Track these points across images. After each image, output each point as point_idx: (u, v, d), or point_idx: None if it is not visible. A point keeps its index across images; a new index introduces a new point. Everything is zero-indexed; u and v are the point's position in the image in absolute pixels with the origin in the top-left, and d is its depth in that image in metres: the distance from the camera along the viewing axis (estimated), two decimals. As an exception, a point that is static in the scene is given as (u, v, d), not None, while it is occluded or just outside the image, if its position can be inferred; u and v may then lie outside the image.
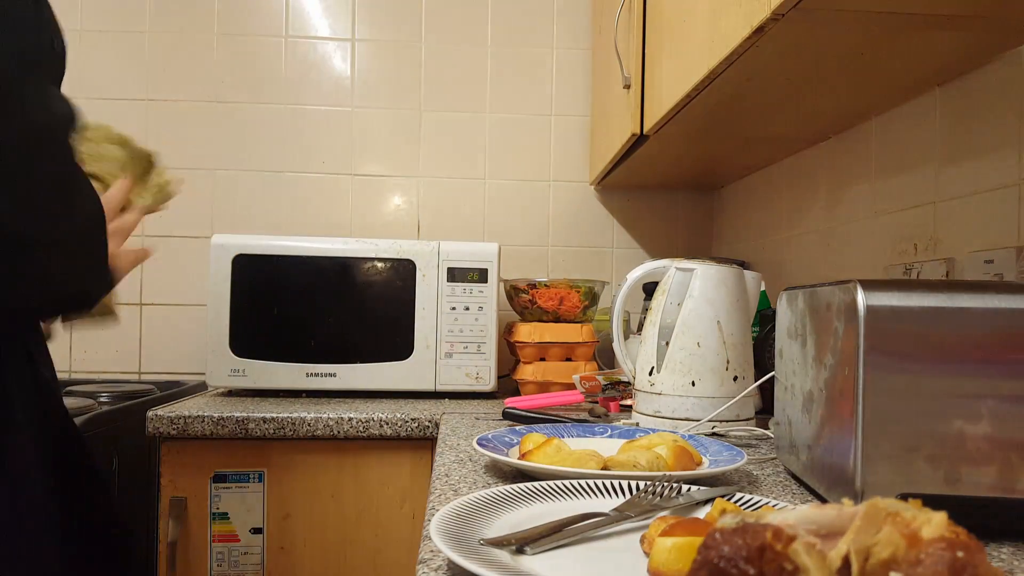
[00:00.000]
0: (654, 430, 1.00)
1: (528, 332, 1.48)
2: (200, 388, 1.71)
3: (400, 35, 1.88)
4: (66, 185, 0.69)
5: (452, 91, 1.89)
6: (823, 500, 0.72)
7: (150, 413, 1.22)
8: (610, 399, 1.34)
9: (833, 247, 1.33)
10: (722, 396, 1.07)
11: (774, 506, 0.63)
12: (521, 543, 0.53)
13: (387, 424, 1.24)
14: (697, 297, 1.09)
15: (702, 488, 0.69)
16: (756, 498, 0.66)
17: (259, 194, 1.86)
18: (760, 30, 0.82)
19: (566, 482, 0.70)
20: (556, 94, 1.91)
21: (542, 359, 1.49)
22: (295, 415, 1.23)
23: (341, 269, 1.45)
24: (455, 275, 1.46)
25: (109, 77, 1.83)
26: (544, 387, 1.47)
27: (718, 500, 0.61)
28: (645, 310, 1.51)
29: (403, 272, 1.45)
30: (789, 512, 0.35)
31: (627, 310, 1.81)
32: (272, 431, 1.23)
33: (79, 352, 1.82)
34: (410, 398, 1.45)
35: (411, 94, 1.88)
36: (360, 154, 1.88)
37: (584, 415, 1.25)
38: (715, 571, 0.33)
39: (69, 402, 1.36)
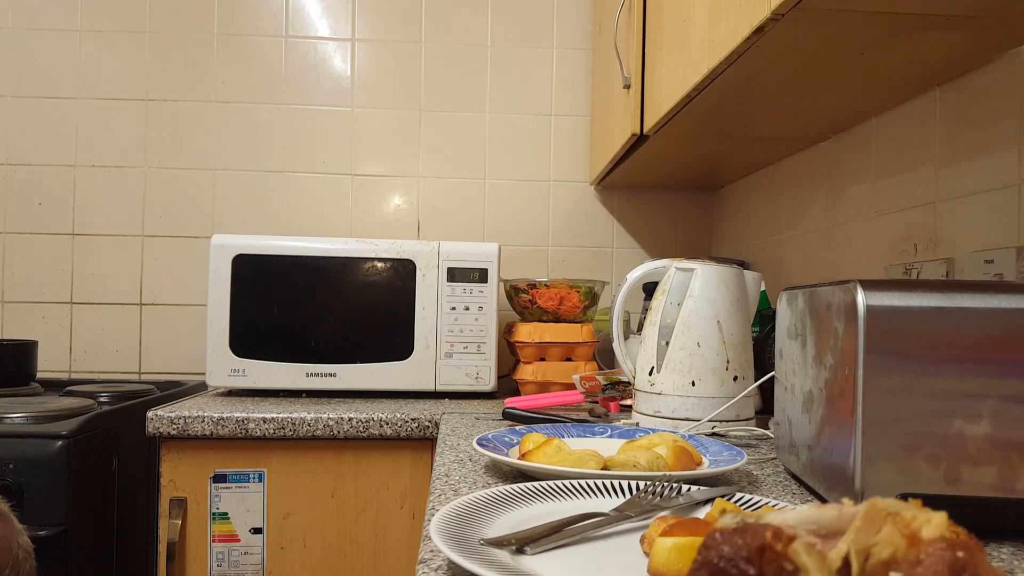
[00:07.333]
0: (654, 430, 1.00)
1: (528, 332, 1.48)
2: (200, 388, 1.71)
3: (400, 35, 1.88)
4: None
5: (452, 91, 1.89)
6: (823, 500, 0.72)
7: (150, 413, 1.22)
8: (610, 399, 1.34)
9: (833, 247, 1.33)
10: (722, 396, 1.07)
11: (774, 506, 0.63)
12: (521, 543, 0.53)
13: (387, 424, 1.24)
14: (697, 297, 1.09)
15: (702, 488, 0.69)
16: (756, 498, 0.66)
17: (259, 194, 1.86)
18: (760, 30, 0.82)
19: (566, 482, 0.69)
20: (556, 94, 1.90)
21: (542, 359, 1.49)
22: (295, 415, 1.23)
23: (341, 269, 1.45)
24: (455, 275, 1.46)
25: (109, 77, 1.83)
26: (544, 387, 1.47)
27: (718, 500, 0.61)
28: (645, 310, 1.51)
29: (403, 272, 1.45)
30: (789, 512, 0.35)
31: (627, 310, 1.81)
32: (272, 431, 1.23)
33: (79, 352, 1.82)
34: (410, 398, 1.45)
35: (411, 94, 1.88)
36: (360, 154, 1.88)
37: (584, 415, 1.25)
38: (715, 571, 0.33)
39: (69, 402, 1.36)
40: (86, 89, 1.83)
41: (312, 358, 1.43)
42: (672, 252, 1.93)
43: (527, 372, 1.47)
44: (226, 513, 1.24)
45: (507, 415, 1.17)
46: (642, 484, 0.70)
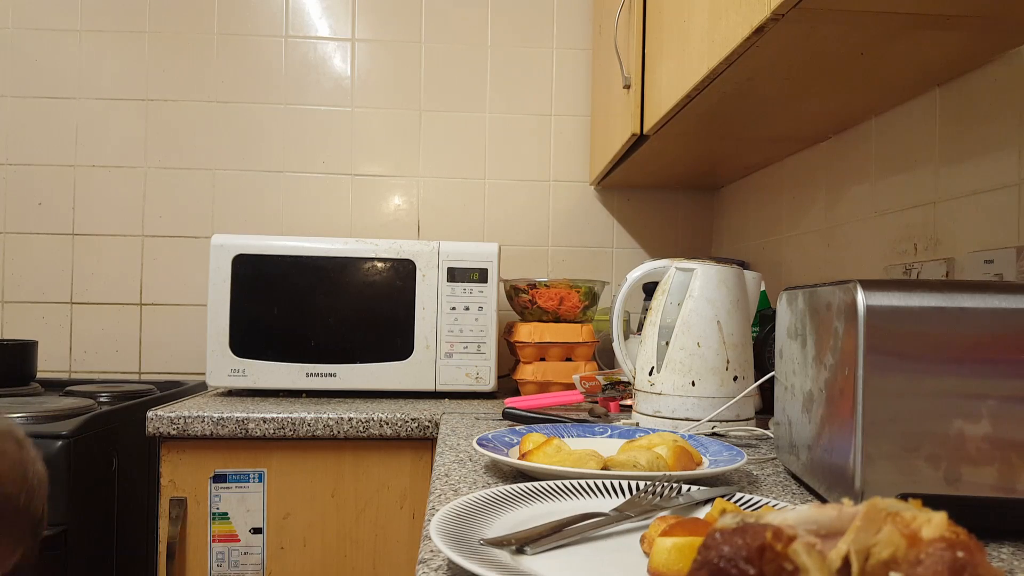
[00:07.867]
0: (654, 430, 1.00)
1: (528, 332, 1.48)
2: (200, 388, 1.71)
3: (400, 35, 1.88)
4: None
5: (452, 91, 1.89)
6: (823, 500, 0.72)
7: (150, 413, 1.22)
8: (610, 399, 1.34)
9: (833, 247, 1.33)
10: (722, 396, 1.07)
11: (774, 506, 0.62)
12: (521, 543, 0.53)
13: (387, 424, 1.24)
14: (697, 297, 1.09)
15: (702, 488, 0.69)
16: (756, 498, 0.66)
17: (259, 194, 1.86)
18: (760, 30, 0.82)
19: (566, 482, 0.69)
20: (556, 94, 1.90)
21: (542, 359, 1.49)
22: (295, 415, 1.23)
23: (341, 269, 1.45)
24: (455, 275, 1.46)
25: (109, 77, 1.83)
26: (544, 387, 1.47)
27: (718, 500, 0.61)
28: (645, 310, 1.51)
29: (403, 272, 1.45)
30: (789, 512, 0.35)
31: (627, 310, 1.81)
32: (272, 431, 1.23)
33: (79, 352, 1.82)
34: (410, 398, 1.45)
35: (411, 94, 1.88)
36: (360, 154, 1.88)
37: (584, 415, 1.25)
38: (715, 571, 0.33)
39: (69, 402, 1.36)
40: (86, 89, 1.83)
41: (312, 358, 1.43)
42: (672, 252, 1.93)
43: (527, 372, 1.47)
44: (226, 513, 1.24)
45: (507, 415, 1.17)
46: (642, 484, 0.70)
